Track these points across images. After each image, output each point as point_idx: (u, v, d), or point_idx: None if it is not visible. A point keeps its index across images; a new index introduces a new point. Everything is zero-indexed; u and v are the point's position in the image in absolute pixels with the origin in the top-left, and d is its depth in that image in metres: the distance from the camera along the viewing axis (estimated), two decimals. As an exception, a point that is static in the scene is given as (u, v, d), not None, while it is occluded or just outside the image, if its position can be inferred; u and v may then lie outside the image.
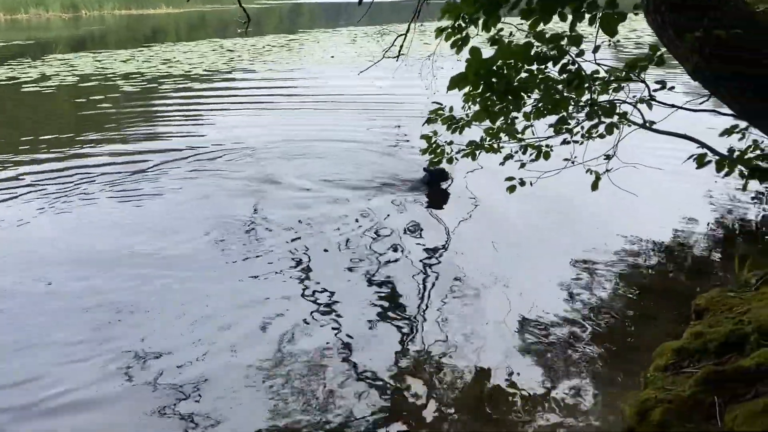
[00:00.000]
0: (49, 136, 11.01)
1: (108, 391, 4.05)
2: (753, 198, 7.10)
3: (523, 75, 3.35)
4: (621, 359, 4.37)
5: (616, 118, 4.36)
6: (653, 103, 4.38)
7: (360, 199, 7.44)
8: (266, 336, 4.58)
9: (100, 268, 5.70)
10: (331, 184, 8.05)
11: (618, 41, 3.22)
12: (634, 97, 4.38)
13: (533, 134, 4.81)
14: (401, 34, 6.51)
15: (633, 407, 3.31)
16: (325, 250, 6.04)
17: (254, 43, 26.33)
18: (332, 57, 21.25)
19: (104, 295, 5.18)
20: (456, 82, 3.12)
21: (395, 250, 5.91)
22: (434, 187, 7.92)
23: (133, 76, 18.22)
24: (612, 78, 3.80)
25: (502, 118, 4.67)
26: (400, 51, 6.54)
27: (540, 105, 4.57)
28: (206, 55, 22.83)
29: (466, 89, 4.36)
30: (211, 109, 13.48)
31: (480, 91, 3.57)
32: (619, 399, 3.66)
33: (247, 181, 8.28)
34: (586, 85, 3.61)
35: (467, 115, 4.87)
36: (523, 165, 4.86)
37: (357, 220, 6.76)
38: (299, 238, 6.34)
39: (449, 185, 7.96)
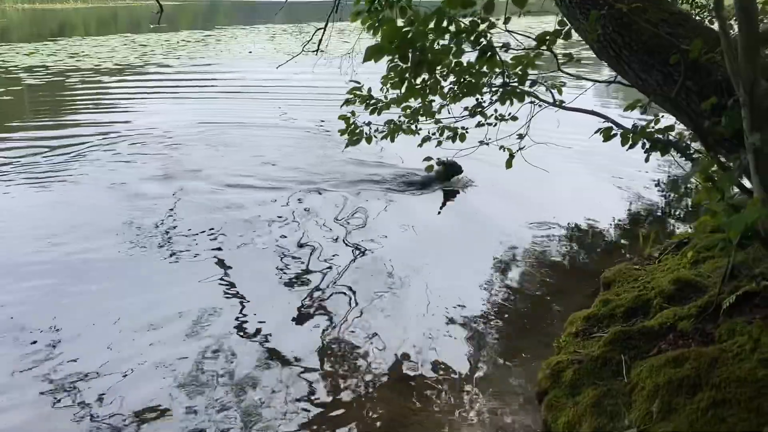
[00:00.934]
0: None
1: (13, 411, 3.70)
2: (656, 185, 7.50)
3: (438, 46, 3.40)
4: (538, 333, 4.50)
5: (527, 99, 4.48)
6: (563, 82, 4.54)
7: (282, 192, 7.32)
8: (185, 344, 4.27)
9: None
10: (253, 178, 7.81)
11: (528, 12, 3.30)
12: (543, 77, 4.53)
13: (449, 112, 4.89)
14: (320, 29, 6.50)
15: (546, 370, 3.42)
16: (242, 245, 5.84)
17: (168, 39, 25.61)
18: (250, 53, 20.93)
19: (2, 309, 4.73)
20: (373, 53, 3.12)
21: (322, 247, 5.79)
22: (446, 182, 7.58)
23: (37, 69, 17.36)
24: (523, 49, 3.92)
25: (419, 99, 4.72)
26: (319, 45, 6.53)
27: (456, 89, 4.67)
28: (117, 50, 22.02)
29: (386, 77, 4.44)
30: (123, 100, 13.06)
31: (394, 64, 3.60)
32: (537, 369, 3.76)
33: (164, 172, 8.03)
34: (499, 59, 3.70)
35: (386, 97, 4.90)
36: (439, 143, 4.94)
37: (280, 216, 6.64)
38: (216, 234, 6.09)
39: (461, 182, 7.70)
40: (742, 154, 3.03)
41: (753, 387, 2.63)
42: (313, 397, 3.80)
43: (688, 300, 3.62)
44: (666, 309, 3.56)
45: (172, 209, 6.72)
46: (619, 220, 6.52)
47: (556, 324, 4.49)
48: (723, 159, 3.43)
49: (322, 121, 10.57)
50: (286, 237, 6.01)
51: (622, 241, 6.02)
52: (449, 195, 7.44)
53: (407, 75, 3.54)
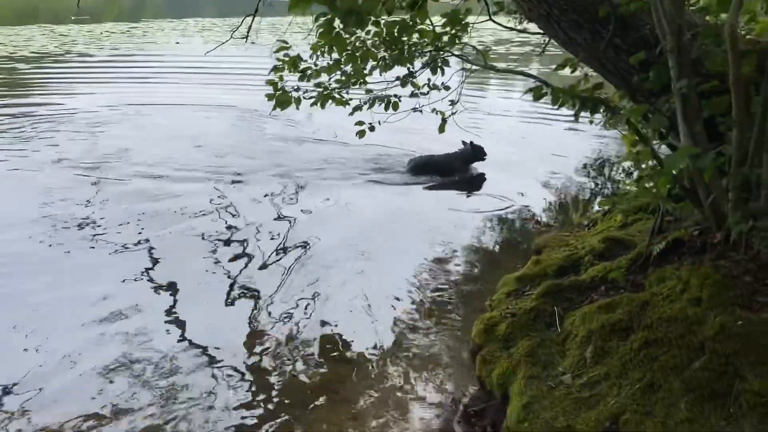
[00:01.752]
0: None
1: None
2: (584, 167, 7.64)
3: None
4: (473, 302, 4.49)
5: (458, 66, 4.45)
6: (489, 47, 4.52)
7: (212, 179, 7.01)
8: (110, 341, 3.97)
9: None
10: (180, 164, 7.40)
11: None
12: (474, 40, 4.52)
13: (384, 77, 4.81)
14: (249, 15, 6.30)
15: (480, 326, 3.37)
16: (167, 235, 5.53)
17: (91, 30, 24.57)
18: (177, 43, 20.33)
19: None
20: (297, 1, 3.00)
21: (248, 239, 5.58)
22: (470, 166, 7.20)
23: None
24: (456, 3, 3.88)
25: (350, 66, 4.62)
26: (248, 32, 6.33)
27: (387, 57, 4.59)
28: (34, 39, 20.98)
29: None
30: (41, 85, 12.43)
31: (322, 13, 3.47)
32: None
33: (82, 157, 7.60)
34: (430, 23, 3.65)
35: (315, 64, 4.77)
36: (371, 106, 4.84)
37: (212, 203, 6.39)
38: (140, 224, 5.72)
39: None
40: (670, 100, 3.05)
41: (683, 325, 2.63)
42: (245, 384, 3.63)
43: (618, 256, 3.63)
44: (596, 265, 3.57)
45: (91, 199, 6.29)
46: (550, 196, 6.62)
47: (491, 293, 4.47)
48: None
49: (255, 110, 10.27)
50: (216, 225, 5.75)
51: (554, 213, 6.11)
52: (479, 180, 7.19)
53: (337, 28, 3.43)
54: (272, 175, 7.12)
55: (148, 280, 4.74)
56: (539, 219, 6.00)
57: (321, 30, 3.67)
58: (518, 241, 5.65)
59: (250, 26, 6.44)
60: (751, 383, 2.30)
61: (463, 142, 7.05)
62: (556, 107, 3.85)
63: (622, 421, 2.42)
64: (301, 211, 6.12)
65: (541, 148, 8.18)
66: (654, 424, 2.33)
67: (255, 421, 3.32)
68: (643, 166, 3.91)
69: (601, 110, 3.85)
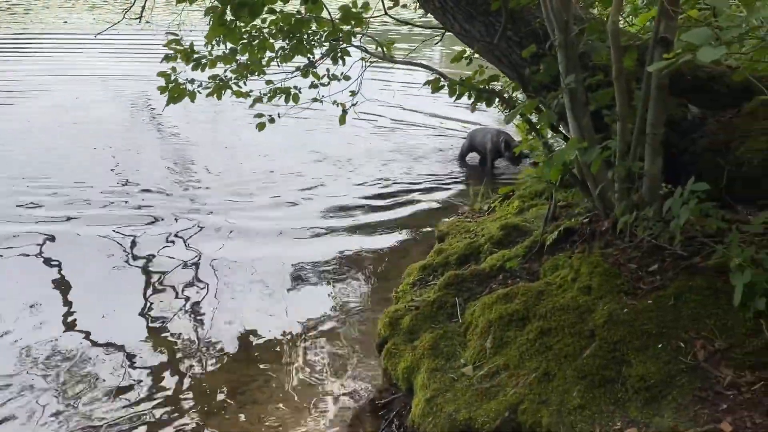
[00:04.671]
0: None
1: None
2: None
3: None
4: (380, 290, 4.54)
5: (359, 55, 4.42)
6: (392, 39, 4.53)
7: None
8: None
9: None
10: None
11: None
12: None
13: (282, 67, 4.72)
14: None
15: (385, 319, 3.40)
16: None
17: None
18: (65, 23, 19.17)
19: None
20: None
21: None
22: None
23: None
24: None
25: (246, 56, 4.50)
26: (142, 12, 6.02)
27: (287, 49, 4.50)
28: None
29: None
30: None
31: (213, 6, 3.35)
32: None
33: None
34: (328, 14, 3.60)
35: (210, 54, 4.61)
36: (270, 99, 4.74)
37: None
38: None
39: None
40: (559, 95, 3.15)
41: (575, 313, 2.75)
42: (150, 383, 3.53)
43: (515, 243, 3.75)
44: (495, 253, 3.67)
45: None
46: (450, 178, 6.77)
47: (398, 281, 4.53)
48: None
49: (149, 101, 9.80)
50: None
51: (453, 198, 6.25)
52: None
53: (227, 18, 3.33)
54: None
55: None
56: (440, 197, 6.17)
57: (212, 23, 3.54)
58: (423, 223, 5.74)
59: (144, 5, 6.15)
60: (636, 368, 2.44)
61: (504, 143, 6.79)
62: (453, 99, 3.92)
63: (520, 410, 2.52)
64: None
65: (444, 136, 8.31)
66: (549, 413, 2.44)
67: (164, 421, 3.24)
68: (537, 153, 4.06)
69: (496, 102, 3.96)
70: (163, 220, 5.60)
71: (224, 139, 7.91)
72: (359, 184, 6.60)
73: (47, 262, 4.84)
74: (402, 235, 5.48)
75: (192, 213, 5.76)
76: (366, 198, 6.26)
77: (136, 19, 6.23)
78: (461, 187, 6.59)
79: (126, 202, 5.96)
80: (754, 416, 2.18)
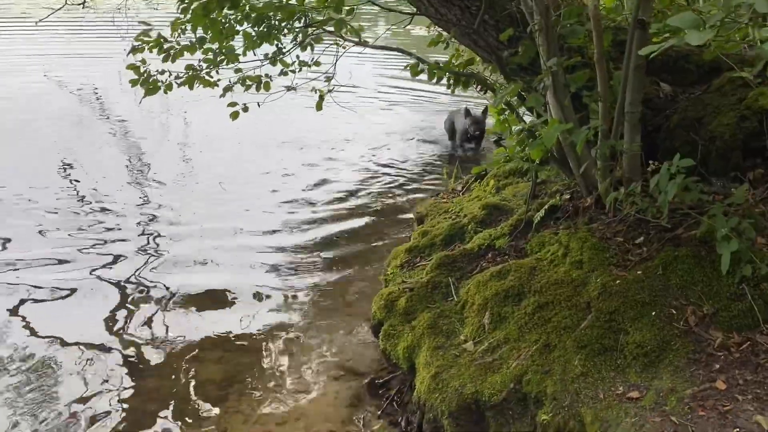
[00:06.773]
0: None
1: None
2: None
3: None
4: (366, 275, 4.61)
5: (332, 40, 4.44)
6: (363, 26, 4.56)
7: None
8: None
9: None
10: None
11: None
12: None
13: (255, 54, 4.70)
14: None
15: (380, 302, 3.49)
16: None
17: None
18: (-3, 10, 18.31)
19: None
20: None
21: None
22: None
23: None
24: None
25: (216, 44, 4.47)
26: None
27: (255, 37, 4.48)
28: None
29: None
30: None
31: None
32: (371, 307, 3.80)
33: None
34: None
35: (178, 43, 4.55)
36: (247, 87, 4.72)
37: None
38: None
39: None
40: (544, 77, 3.26)
41: (569, 287, 2.89)
42: (131, 375, 3.54)
43: (498, 222, 3.88)
44: (480, 232, 3.79)
45: None
46: (423, 161, 6.88)
47: (382, 264, 4.60)
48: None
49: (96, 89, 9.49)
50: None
51: (428, 179, 6.36)
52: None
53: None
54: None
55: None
56: (414, 179, 6.28)
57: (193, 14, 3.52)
58: (397, 206, 5.82)
59: (86, -10, 5.97)
60: (633, 336, 2.60)
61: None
62: (432, 82, 4.00)
63: (524, 381, 2.65)
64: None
65: (411, 120, 8.39)
66: (553, 382, 2.57)
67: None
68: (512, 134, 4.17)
69: (473, 83, 4.06)
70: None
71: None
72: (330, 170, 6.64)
73: None
74: (382, 219, 5.55)
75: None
76: (338, 183, 6.31)
77: (80, 4, 6.07)
78: (431, 168, 6.71)
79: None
80: (744, 374, 2.37)
